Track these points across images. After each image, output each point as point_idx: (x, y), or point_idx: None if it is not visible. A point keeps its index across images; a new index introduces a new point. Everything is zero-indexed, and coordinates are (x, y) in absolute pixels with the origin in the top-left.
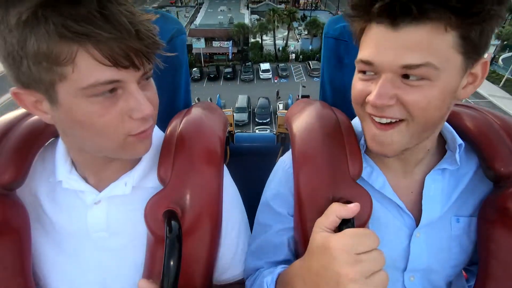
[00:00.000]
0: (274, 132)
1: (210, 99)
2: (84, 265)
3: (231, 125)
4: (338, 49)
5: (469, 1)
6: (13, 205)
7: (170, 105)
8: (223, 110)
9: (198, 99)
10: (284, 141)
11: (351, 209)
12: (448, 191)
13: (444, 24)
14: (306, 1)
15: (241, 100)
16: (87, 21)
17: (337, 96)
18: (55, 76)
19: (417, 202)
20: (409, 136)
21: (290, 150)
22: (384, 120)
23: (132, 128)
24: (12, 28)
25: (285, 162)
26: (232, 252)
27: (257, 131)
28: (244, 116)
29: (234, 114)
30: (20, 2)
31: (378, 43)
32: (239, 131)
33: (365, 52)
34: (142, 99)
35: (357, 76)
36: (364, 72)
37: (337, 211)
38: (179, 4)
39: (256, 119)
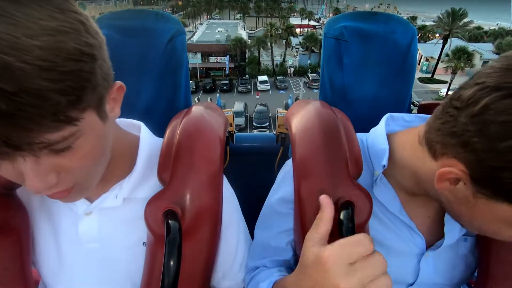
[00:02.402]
0: (274, 133)
1: None
2: (74, 276)
3: (231, 125)
4: (338, 49)
5: None
6: (13, 205)
7: (170, 105)
8: (223, 110)
9: (198, 99)
10: (284, 141)
11: (326, 210)
12: None
13: None
14: (301, 31)
15: (238, 106)
16: None
17: (337, 96)
18: None
19: (431, 226)
20: None
21: None
22: None
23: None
24: None
25: (290, 166)
26: (231, 259)
27: (255, 132)
28: (241, 121)
29: None
30: None
31: None
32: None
33: None
34: (30, 174)
35: None
36: None
37: (323, 218)
38: None
39: (254, 123)
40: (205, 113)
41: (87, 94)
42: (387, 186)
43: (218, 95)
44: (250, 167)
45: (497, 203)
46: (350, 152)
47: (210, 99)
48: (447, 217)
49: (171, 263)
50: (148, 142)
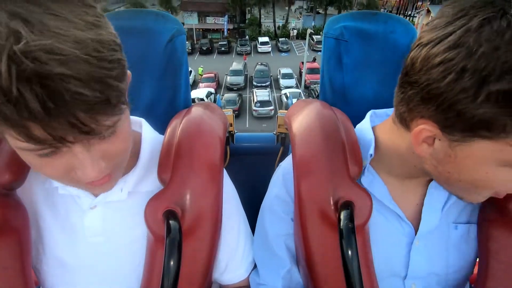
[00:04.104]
0: (274, 133)
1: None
2: (80, 269)
3: (231, 125)
4: (338, 49)
5: None
6: (13, 205)
7: (170, 105)
8: (223, 110)
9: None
10: (284, 141)
11: None
12: (448, 199)
13: None
14: None
15: (237, 64)
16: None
17: (337, 96)
18: None
19: (418, 211)
20: None
21: (290, 155)
22: None
23: (80, 180)
24: None
25: (285, 167)
26: (232, 251)
27: (254, 90)
28: (239, 79)
29: (229, 77)
30: None
31: None
32: (235, 93)
33: None
34: (87, 162)
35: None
36: None
37: None
38: None
39: (254, 82)
40: (205, 113)
41: (125, 80)
42: (374, 175)
43: (218, 95)
44: (250, 167)
45: (472, 143)
46: (350, 152)
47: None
48: (427, 199)
49: (171, 263)
50: (150, 138)
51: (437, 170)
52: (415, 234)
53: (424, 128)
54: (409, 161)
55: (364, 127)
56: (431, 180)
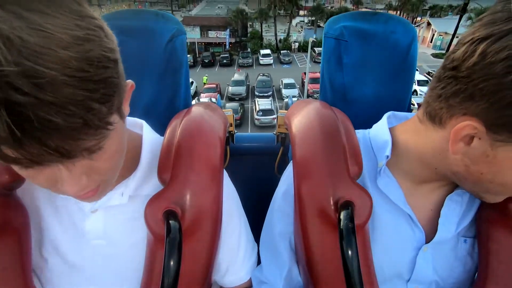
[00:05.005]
0: (274, 133)
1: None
2: (82, 270)
3: (231, 125)
4: (338, 49)
5: None
6: (13, 205)
7: (170, 105)
8: (223, 110)
9: (198, 99)
10: (284, 141)
11: None
12: (464, 213)
13: None
14: (305, 13)
15: (239, 75)
16: None
17: (337, 96)
18: None
19: (432, 219)
20: None
21: None
22: None
23: (65, 193)
24: None
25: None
26: (233, 254)
27: (257, 99)
28: (241, 90)
29: (230, 87)
30: None
31: None
32: (237, 103)
33: None
34: (67, 178)
35: None
36: None
37: None
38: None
39: (256, 92)
40: (205, 113)
41: (116, 98)
42: (390, 177)
43: (219, 95)
44: (250, 167)
45: None
46: (350, 152)
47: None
48: (444, 210)
49: (171, 263)
50: (151, 140)
51: (468, 170)
52: (425, 240)
53: (468, 124)
54: (431, 163)
55: (381, 128)
56: (444, 186)
